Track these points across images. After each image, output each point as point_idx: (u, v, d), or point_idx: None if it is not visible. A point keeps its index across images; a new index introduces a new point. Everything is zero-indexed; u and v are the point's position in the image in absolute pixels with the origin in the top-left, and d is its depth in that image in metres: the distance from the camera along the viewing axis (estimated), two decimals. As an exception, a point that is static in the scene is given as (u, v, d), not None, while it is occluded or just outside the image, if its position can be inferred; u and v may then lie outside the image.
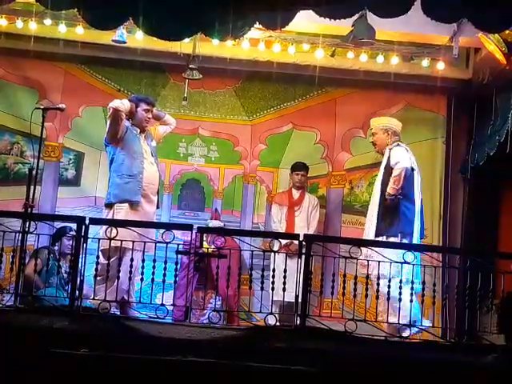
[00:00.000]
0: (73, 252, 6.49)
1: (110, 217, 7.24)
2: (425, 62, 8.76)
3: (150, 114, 7.59)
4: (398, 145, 7.62)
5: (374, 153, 8.27)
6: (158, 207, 7.69)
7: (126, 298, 7.12)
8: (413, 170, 7.52)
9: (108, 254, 6.62)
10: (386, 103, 9.58)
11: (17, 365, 5.70)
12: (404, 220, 7.39)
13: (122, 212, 7.22)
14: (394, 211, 7.40)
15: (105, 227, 6.75)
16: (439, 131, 9.62)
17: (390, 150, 7.61)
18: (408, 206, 7.41)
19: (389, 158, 7.58)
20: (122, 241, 6.46)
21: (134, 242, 6.51)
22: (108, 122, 7.35)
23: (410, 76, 9.00)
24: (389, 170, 7.52)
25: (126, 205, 7.26)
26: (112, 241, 6.45)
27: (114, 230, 6.40)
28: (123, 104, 7.32)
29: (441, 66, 8.70)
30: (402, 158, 7.48)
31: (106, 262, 6.70)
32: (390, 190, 7.39)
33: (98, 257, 6.62)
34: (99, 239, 6.65)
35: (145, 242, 6.47)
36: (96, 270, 6.59)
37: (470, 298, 6.48)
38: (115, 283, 6.59)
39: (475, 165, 9.11)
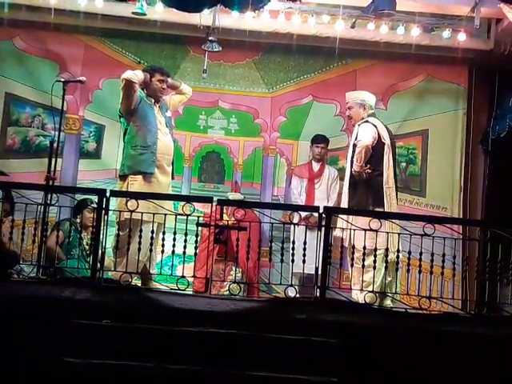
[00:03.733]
0: (94, 224, 6.54)
1: (124, 189, 7.20)
2: (446, 33, 8.67)
3: (165, 85, 7.55)
4: (367, 121, 7.63)
5: (394, 125, 8.25)
6: (172, 178, 7.61)
7: (146, 269, 7.15)
8: (383, 144, 7.53)
9: (129, 225, 6.63)
10: (407, 75, 9.54)
11: (39, 335, 5.77)
12: (373, 192, 7.45)
13: (135, 184, 7.15)
14: (362, 185, 7.48)
15: (119, 199, 6.78)
16: (460, 103, 9.56)
17: (359, 126, 7.66)
18: (376, 178, 7.47)
19: (357, 134, 7.63)
20: (142, 213, 6.49)
21: (154, 214, 6.53)
22: (121, 94, 7.28)
23: (430, 47, 8.91)
24: (354, 146, 7.61)
25: (140, 176, 7.19)
26: (125, 213, 6.48)
27: (130, 203, 6.43)
28: (136, 75, 7.27)
29: (462, 36, 8.61)
30: (364, 135, 7.53)
31: (124, 233, 6.73)
32: (354, 166, 7.51)
33: (118, 229, 6.66)
34: (120, 211, 6.68)
35: (165, 215, 6.50)
36: (117, 242, 6.63)
37: (490, 269, 6.48)
38: (134, 255, 6.61)
39: (496, 136, 9.06)
